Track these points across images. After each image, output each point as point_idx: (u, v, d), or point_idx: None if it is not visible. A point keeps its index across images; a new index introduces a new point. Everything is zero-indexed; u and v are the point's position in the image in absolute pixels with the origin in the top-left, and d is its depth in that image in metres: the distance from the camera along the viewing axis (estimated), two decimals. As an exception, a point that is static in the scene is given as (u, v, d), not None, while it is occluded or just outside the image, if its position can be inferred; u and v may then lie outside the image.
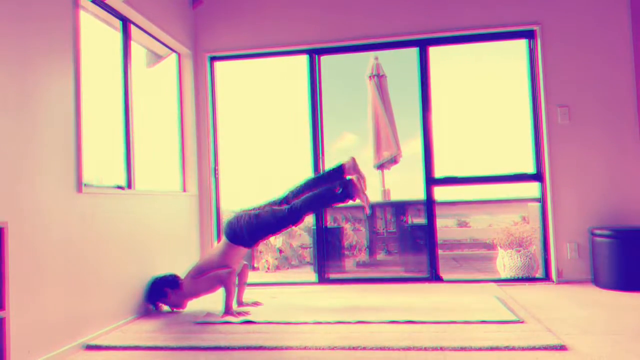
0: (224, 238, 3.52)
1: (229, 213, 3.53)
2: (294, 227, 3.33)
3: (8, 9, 2.42)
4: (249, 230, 3.38)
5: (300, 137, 4.81)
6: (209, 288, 3.49)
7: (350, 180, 3.24)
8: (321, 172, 3.40)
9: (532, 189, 4.56)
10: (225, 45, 4.67)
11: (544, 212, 4.28)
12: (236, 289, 3.59)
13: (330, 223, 6.40)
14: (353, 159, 3.34)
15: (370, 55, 5.73)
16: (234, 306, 3.50)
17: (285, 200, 3.45)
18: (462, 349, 2.46)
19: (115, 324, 3.14)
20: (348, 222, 6.80)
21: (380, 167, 5.75)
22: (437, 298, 3.65)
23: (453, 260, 6.00)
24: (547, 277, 4.29)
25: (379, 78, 5.67)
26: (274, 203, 3.47)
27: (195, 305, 3.72)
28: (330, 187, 3.24)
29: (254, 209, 3.48)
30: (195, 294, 3.53)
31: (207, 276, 3.46)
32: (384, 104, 5.67)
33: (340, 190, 3.20)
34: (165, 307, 3.64)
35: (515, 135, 5.28)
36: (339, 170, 3.36)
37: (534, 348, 2.43)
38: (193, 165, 4.60)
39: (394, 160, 5.75)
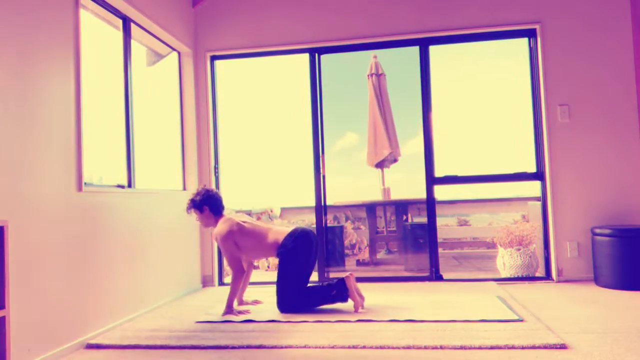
0: (280, 244, 3.43)
1: (308, 227, 3.48)
2: (277, 306, 3.39)
3: (8, 8, 2.42)
4: (290, 262, 3.39)
5: (301, 136, 4.82)
6: (225, 254, 3.45)
7: (343, 280, 3.34)
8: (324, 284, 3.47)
9: (532, 188, 4.56)
10: (226, 44, 4.67)
11: (544, 211, 4.27)
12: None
13: (331, 222, 6.40)
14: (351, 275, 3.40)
15: (372, 54, 5.74)
16: (234, 304, 3.50)
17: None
18: (463, 347, 2.46)
19: (115, 322, 3.15)
20: (349, 221, 6.80)
21: (380, 165, 5.75)
22: (438, 297, 3.65)
23: (454, 259, 6.00)
24: (547, 276, 4.29)
25: (377, 77, 5.68)
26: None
27: (195, 303, 3.73)
28: (327, 290, 3.35)
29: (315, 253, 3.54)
30: (217, 239, 3.47)
31: (233, 252, 3.39)
32: (383, 103, 5.67)
33: (335, 292, 3.32)
34: (194, 215, 3.63)
35: (515, 134, 5.28)
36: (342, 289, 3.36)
37: (534, 347, 2.43)
38: (193, 163, 4.60)
39: (393, 159, 5.76)
